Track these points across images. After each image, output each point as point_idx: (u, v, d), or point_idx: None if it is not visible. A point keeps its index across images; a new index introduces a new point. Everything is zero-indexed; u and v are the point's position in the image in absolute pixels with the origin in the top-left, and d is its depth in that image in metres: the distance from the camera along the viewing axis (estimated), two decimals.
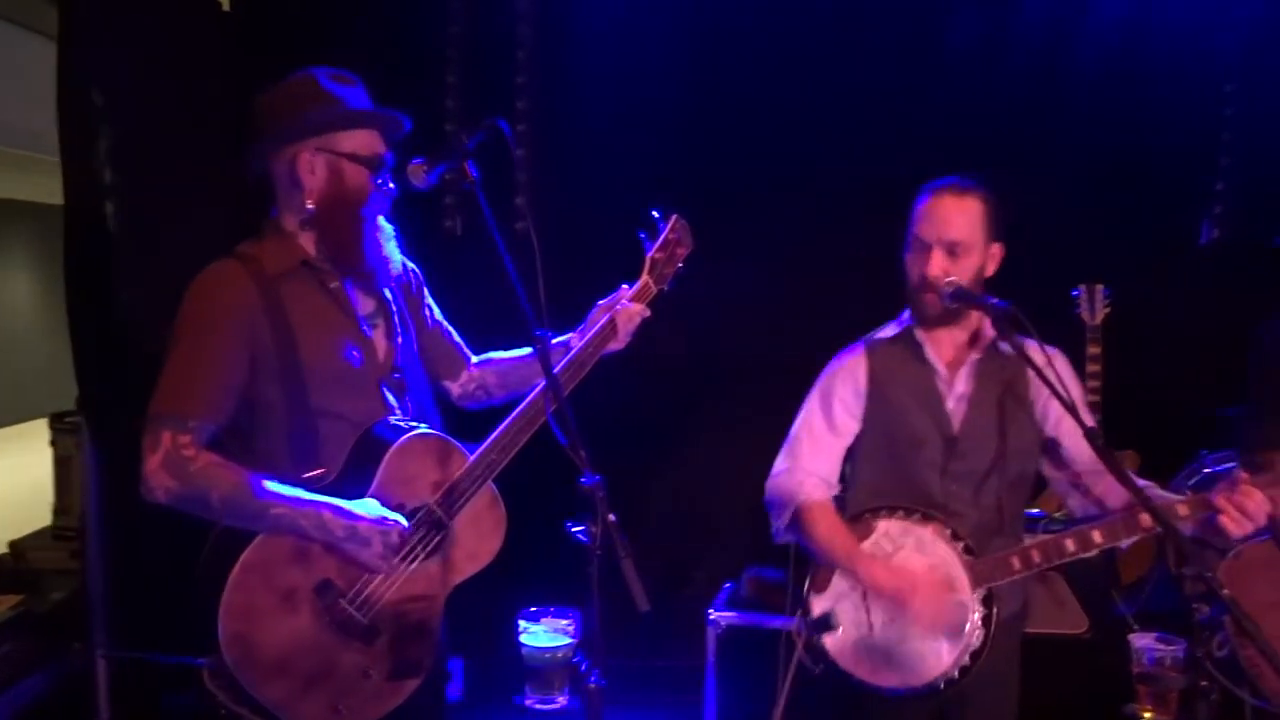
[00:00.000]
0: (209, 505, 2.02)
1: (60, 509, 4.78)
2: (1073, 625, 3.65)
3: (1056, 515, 3.47)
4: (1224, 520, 2.18)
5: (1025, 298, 2.27)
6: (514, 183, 3.71)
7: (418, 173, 2.16)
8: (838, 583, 2.42)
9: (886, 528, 2.42)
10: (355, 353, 2.20)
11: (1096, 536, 2.30)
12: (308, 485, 2.10)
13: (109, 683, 3.51)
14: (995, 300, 2.28)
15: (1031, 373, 2.44)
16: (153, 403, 2.04)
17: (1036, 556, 2.33)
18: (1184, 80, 3.94)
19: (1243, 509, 2.17)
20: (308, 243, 2.20)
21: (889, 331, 2.54)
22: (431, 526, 2.18)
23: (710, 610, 3.56)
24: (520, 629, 2.52)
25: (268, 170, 2.21)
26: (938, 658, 2.32)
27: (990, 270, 2.44)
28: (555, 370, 2.31)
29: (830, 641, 2.38)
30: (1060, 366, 2.26)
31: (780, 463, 2.55)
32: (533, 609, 2.55)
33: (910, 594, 2.31)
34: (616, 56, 4.01)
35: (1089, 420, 2.23)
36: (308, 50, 2.52)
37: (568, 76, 4.08)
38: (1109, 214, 4.02)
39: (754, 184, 4.08)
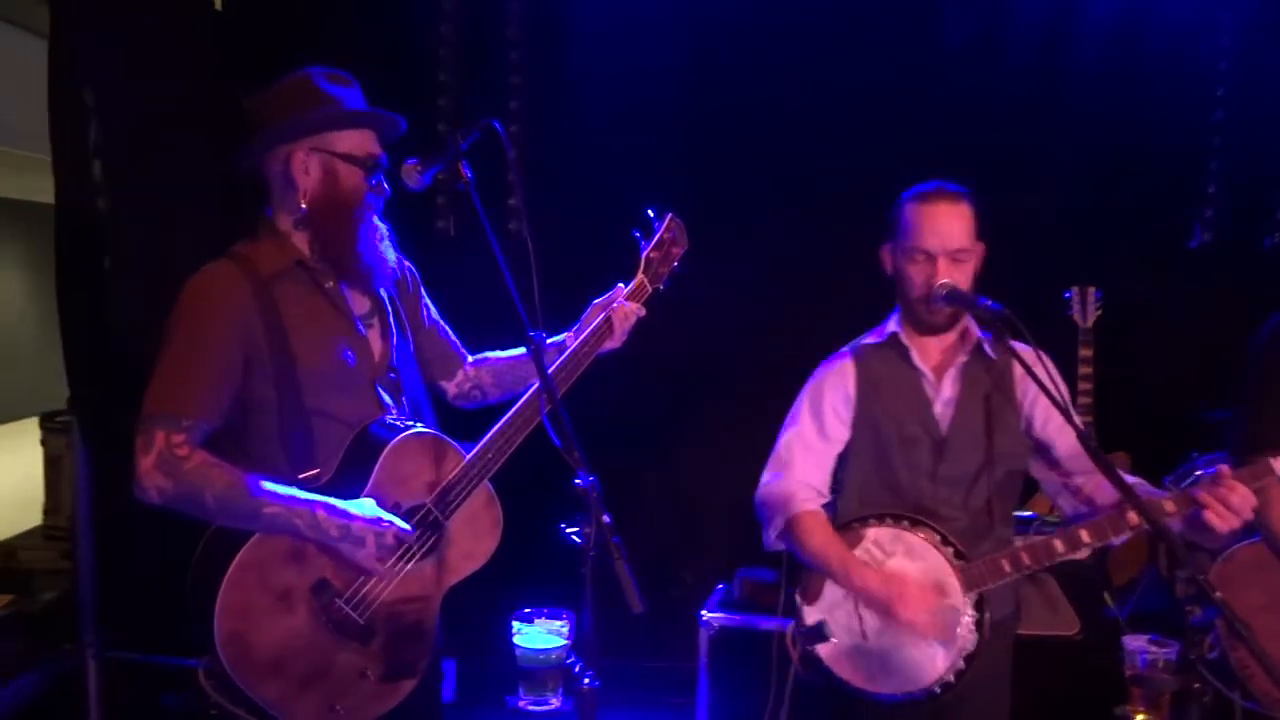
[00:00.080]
0: (203, 505, 2.01)
1: (51, 509, 4.76)
2: (1065, 627, 3.66)
3: (1049, 518, 3.47)
4: (1209, 516, 2.18)
5: (1018, 300, 2.28)
6: (507, 183, 3.71)
7: (411, 173, 2.15)
8: (830, 592, 2.41)
9: (876, 535, 2.42)
10: (350, 353, 2.19)
11: (1084, 536, 2.30)
12: (303, 485, 2.09)
13: (100, 683, 3.50)
14: (990, 303, 2.28)
15: (1017, 374, 2.45)
16: (146, 403, 2.04)
17: (1026, 559, 2.34)
18: (1175, 84, 3.96)
19: (1227, 503, 2.17)
20: (302, 243, 2.20)
21: (875, 337, 2.55)
22: (427, 526, 2.17)
23: (702, 611, 3.57)
24: (514, 630, 2.52)
25: (262, 169, 2.21)
26: (932, 663, 2.32)
27: (978, 269, 2.45)
28: (551, 369, 2.32)
29: (824, 650, 2.38)
30: (1038, 366, 2.27)
31: (770, 472, 2.55)
32: (526, 610, 2.55)
33: (902, 601, 2.31)
34: (610, 56, 4.02)
35: (1076, 422, 2.24)
36: (299, 50, 2.51)
37: (561, 76, 4.08)
38: (1101, 217, 4.03)
39: (749, 184, 4.09)
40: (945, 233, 2.36)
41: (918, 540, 2.38)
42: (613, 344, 2.45)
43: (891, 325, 2.52)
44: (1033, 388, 2.40)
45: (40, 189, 3.50)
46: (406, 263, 2.41)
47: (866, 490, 2.50)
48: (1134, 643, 2.26)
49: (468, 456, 2.23)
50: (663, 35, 4.06)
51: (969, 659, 2.31)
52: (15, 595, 3.88)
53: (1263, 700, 2.50)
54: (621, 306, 2.45)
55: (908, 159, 2.78)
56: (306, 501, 2.04)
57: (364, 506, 2.07)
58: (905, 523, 2.41)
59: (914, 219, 2.39)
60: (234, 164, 2.23)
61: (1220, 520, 2.17)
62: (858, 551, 2.40)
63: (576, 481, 1.88)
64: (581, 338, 2.41)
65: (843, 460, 2.53)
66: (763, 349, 4.00)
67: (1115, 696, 2.29)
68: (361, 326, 2.25)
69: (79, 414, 3.53)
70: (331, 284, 2.21)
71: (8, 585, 4.02)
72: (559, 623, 2.88)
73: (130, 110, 3.39)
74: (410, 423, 2.23)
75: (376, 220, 2.23)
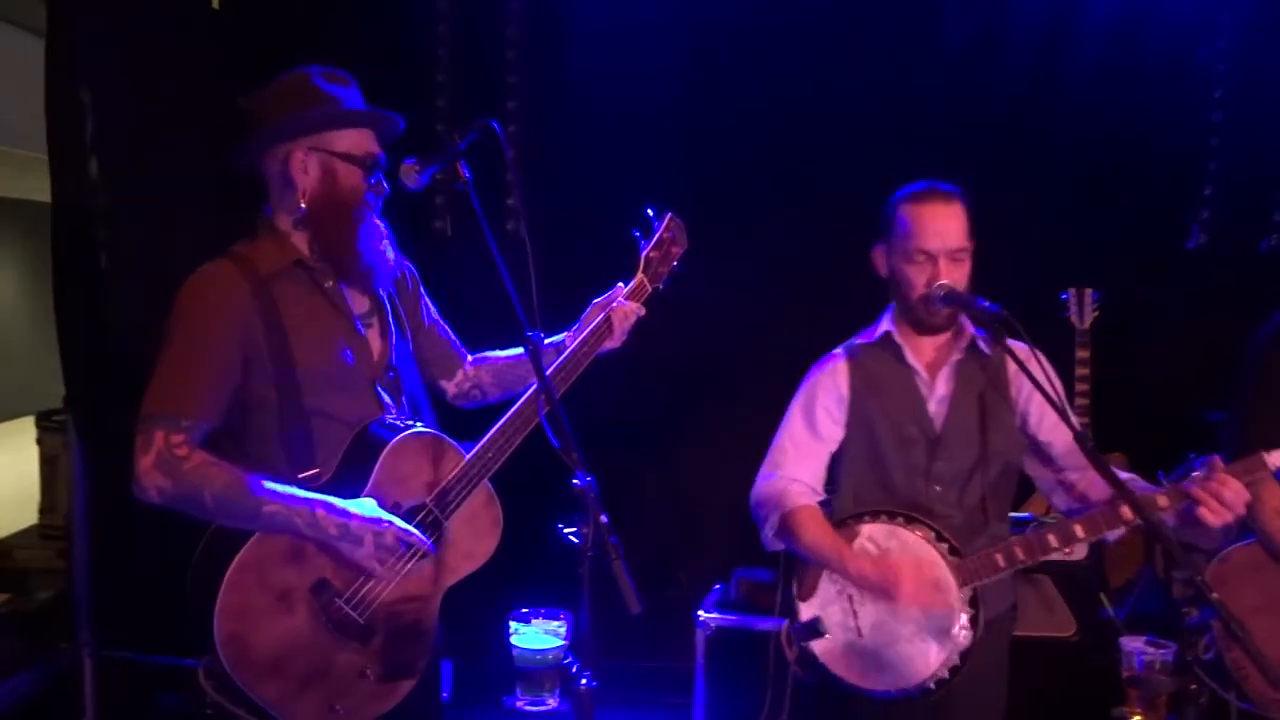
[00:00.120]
0: (202, 505, 2.01)
1: (46, 507, 4.76)
2: (1061, 628, 3.67)
3: (1045, 518, 3.48)
4: (1202, 512, 2.18)
5: (1015, 301, 2.28)
6: (505, 183, 3.71)
7: (410, 173, 2.14)
8: (824, 588, 2.42)
9: (871, 531, 2.42)
10: (349, 352, 2.19)
11: (1078, 530, 2.31)
12: (302, 485, 2.09)
13: (95, 682, 3.50)
14: (987, 303, 2.29)
15: (1011, 371, 2.47)
16: (145, 402, 2.03)
17: (1020, 553, 2.34)
18: (1173, 86, 3.96)
19: (1219, 497, 2.17)
20: (301, 242, 2.20)
21: (867, 337, 2.56)
22: (427, 526, 2.17)
23: (699, 611, 3.57)
24: (511, 630, 2.52)
25: (260, 169, 2.20)
26: (925, 659, 2.33)
27: (972, 268, 2.46)
28: (550, 369, 2.33)
29: (819, 647, 2.39)
30: (1034, 365, 2.27)
31: (764, 471, 2.56)
32: (524, 610, 2.54)
33: (898, 585, 2.32)
34: (609, 56, 4.01)
35: (1071, 417, 2.24)
36: (296, 49, 2.51)
37: (559, 76, 4.08)
38: (1098, 218, 4.04)
39: (749, 184, 4.09)
40: (944, 232, 2.37)
41: (912, 536, 2.39)
42: (612, 344, 2.45)
43: (884, 324, 2.53)
44: (1026, 384, 2.41)
45: (37, 188, 3.50)
46: (406, 262, 2.40)
47: (861, 488, 2.50)
48: (1131, 644, 2.26)
49: (467, 456, 2.22)
50: (661, 35, 4.05)
51: (964, 655, 2.32)
52: (11, 594, 3.89)
53: (1258, 701, 2.51)
54: (621, 306, 2.45)
55: (907, 159, 2.78)
56: (306, 500, 2.04)
57: (363, 506, 2.07)
58: (900, 519, 2.41)
59: (911, 220, 2.40)
60: (231, 163, 2.22)
61: (1213, 515, 2.18)
62: (854, 547, 2.41)
63: (574, 481, 1.88)
64: (581, 338, 2.40)
65: (837, 459, 2.54)
66: (762, 349, 4.00)
67: (1112, 698, 2.29)
68: (360, 326, 2.24)
69: (75, 413, 3.54)
70: (331, 283, 2.21)
71: (3, 584, 4.02)
72: (556, 623, 2.88)
73: (127, 109, 3.39)
74: (410, 422, 2.22)
75: (376, 219, 2.23)
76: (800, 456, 2.52)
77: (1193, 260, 4.05)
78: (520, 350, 2.49)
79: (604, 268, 2.54)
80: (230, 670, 1.98)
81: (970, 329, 2.48)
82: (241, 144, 2.19)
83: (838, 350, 2.58)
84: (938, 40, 4.00)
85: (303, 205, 2.15)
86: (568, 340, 2.43)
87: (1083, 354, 3.80)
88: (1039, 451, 2.48)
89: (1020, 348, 2.32)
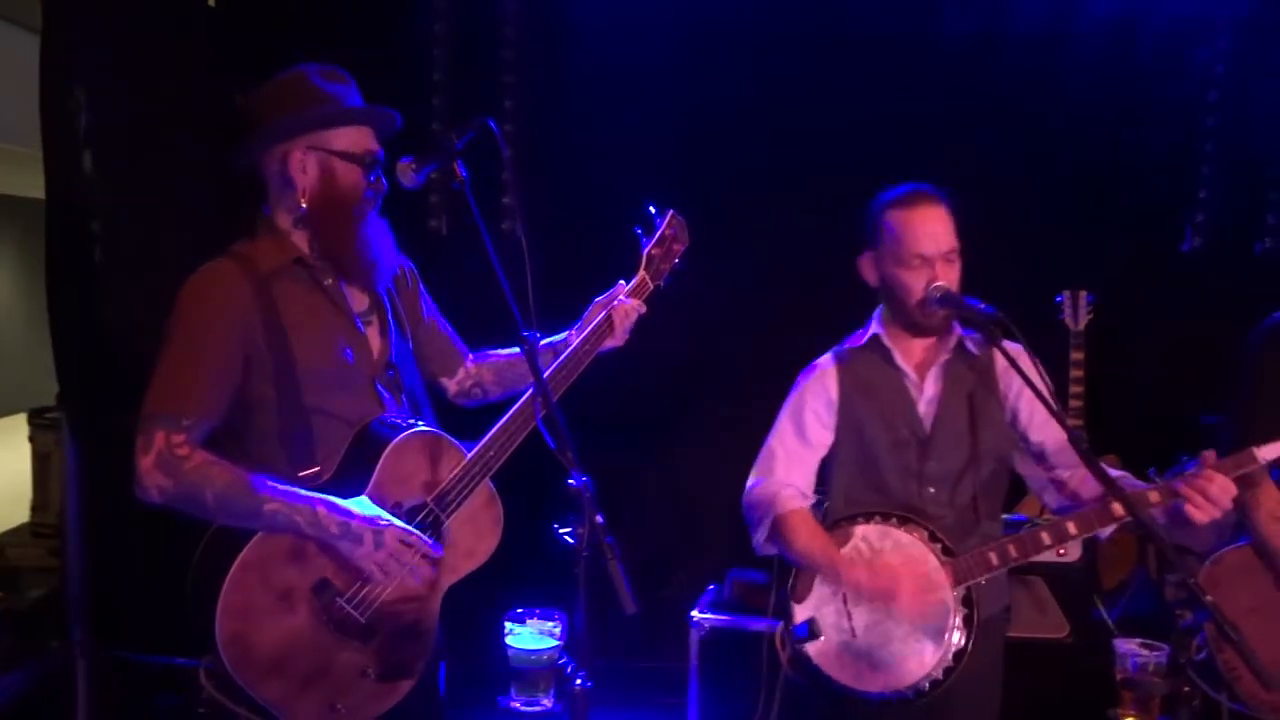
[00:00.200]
0: (203, 504, 2.01)
1: (39, 505, 4.75)
2: (1054, 630, 3.68)
3: (1039, 520, 3.49)
4: (1189, 509, 2.19)
5: (1010, 303, 2.28)
6: (501, 182, 3.71)
7: (406, 172, 2.14)
8: (818, 589, 2.42)
9: (864, 533, 2.43)
10: (349, 350, 2.19)
11: (1071, 528, 2.32)
12: (303, 484, 2.09)
13: (88, 681, 3.49)
14: (983, 305, 2.29)
15: (999, 369, 2.47)
16: (146, 402, 2.03)
17: (1013, 551, 2.35)
18: (1168, 89, 3.97)
19: (1205, 493, 2.17)
20: (301, 240, 2.19)
21: (856, 340, 2.56)
22: (428, 525, 2.17)
23: (693, 612, 3.57)
24: (506, 630, 2.51)
25: (259, 168, 2.20)
26: (920, 659, 2.33)
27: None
28: (552, 368, 2.33)
29: (813, 649, 2.39)
30: (1025, 363, 2.28)
31: (755, 476, 2.56)
32: (519, 610, 2.54)
33: (893, 591, 2.32)
34: (606, 54, 4.01)
35: (1061, 415, 2.24)
36: (292, 48, 2.50)
37: (557, 76, 4.08)
38: (1093, 221, 4.05)
39: (747, 183, 4.09)
40: (937, 235, 2.37)
41: (906, 537, 2.39)
42: (614, 342, 2.45)
43: (873, 328, 2.53)
44: (1016, 383, 2.43)
45: (34, 185, 3.50)
46: (405, 259, 2.40)
47: (853, 491, 2.51)
48: (1125, 646, 2.26)
49: (469, 454, 2.22)
50: (660, 34, 4.05)
51: (958, 655, 2.32)
52: (3, 593, 3.88)
53: (1249, 702, 2.52)
54: (622, 304, 2.44)
55: (906, 159, 2.79)
56: (307, 499, 2.03)
57: (362, 505, 2.07)
58: (893, 520, 2.42)
59: (902, 226, 2.39)
60: (230, 162, 2.22)
61: (1199, 511, 2.19)
62: (847, 549, 2.41)
63: (570, 482, 1.88)
64: (582, 336, 2.40)
65: (828, 463, 2.55)
66: (759, 349, 4.00)
67: (1105, 699, 2.29)
68: (360, 324, 2.24)
69: (68, 410, 3.52)
70: (331, 281, 2.21)
71: None
72: (552, 623, 2.88)
73: (123, 106, 3.38)
74: (411, 421, 2.22)
75: (375, 217, 2.22)
76: (790, 462, 2.52)
77: (1187, 262, 4.07)
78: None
79: (603, 267, 2.54)
80: (232, 670, 1.98)
81: (958, 330, 2.49)
82: (241, 144, 2.19)
83: (826, 355, 2.58)
84: (937, 42, 4.00)
85: (303, 204, 2.15)
86: (570, 338, 2.42)
87: (1077, 355, 3.81)
88: (1030, 450, 2.49)
89: (1012, 348, 2.33)
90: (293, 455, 2.12)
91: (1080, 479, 2.40)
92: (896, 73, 4.01)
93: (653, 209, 2.55)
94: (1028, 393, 2.37)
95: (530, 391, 2.26)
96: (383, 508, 2.10)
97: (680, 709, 3.55)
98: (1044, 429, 2.44)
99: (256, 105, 2.18)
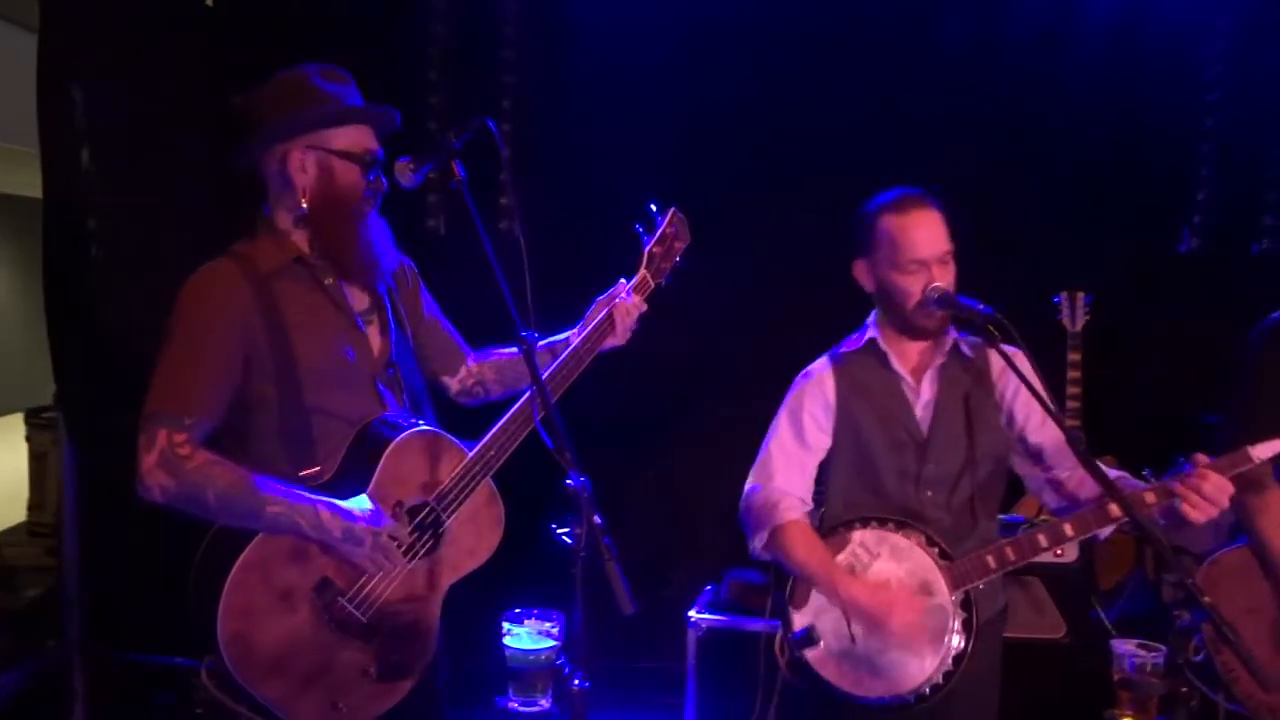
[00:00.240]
0: (205, 504, 2.01)
1: (35, 505, 4.75)
2: (1051, 630, 3.68)
3: (1037, 521, 3.49)
4: (1185, 509, 2.19)
5: (1007, 304, 2.28)
6: (499, 182, 3.71)
7: (404, 171, 2.14)
8: (817, 596, 2.41)
9: (862, 538, 2.42)
10: (349, 350, 2.19)
11: (1068, 529, 2.32)
12: (303, 483, 2.09)
13: (84, 680, 3.49)
14: (981, 306, 2.29)
15: (995, 371, 2.47)
16: (148, 401, 2.03)
17: (1011, 554, 2.35)
18: (1167, 90, 3.98)
19: (1199, 491, 2.17)
20: (301, 240, 2.19)
21: (852, 344, 2.56)
22: (429, 525, 2.17)
23: (691, 612, 3.57)
24: (504, 630, 2.51)
25: (259, 168, 2.20)
26: (920, 664, 2.33)
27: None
28: (553, 366, 2.33)
29: (813, 655, 2.38)
30: (1023, 364, 2.28)
31: (753, 481, 2.55)
32: (517, 610, 2.54)
33: (889, 610, 2.32)
34: (604, 54, 4.00)
35: (1057, 414, 2.24)
36: (291, 47, 2.50)
37: (555, 76, 4.08)
38: (1091, 222, 4.05)
39: (746, 184, 4.09)
40: (932, 239, 2.38)
41: (903, 541, 2.39)
42: (616, 341, 2.44)
43: (869, 331, 2.53)
44: (1011, 384, 2.43)
45: (30, 184, 3.49)
46: (405, 258, 2.40)
47: (851, 494, 2.50)
48: (1122, 647, 2.26)
49: (470, 453, 2.22)
50: (659, 34, 4.05)
51: (958, 660, 2.32)
52: None
53: (1246, 703, 2.52)
54: (623, 302, 2.43)
55: (905, 160, 2.79)
56: (309, 500, 2.03)
57: (363, 506, 2.07)
58: (891, 525, 2.42)
59: (897, 231, 2.39)
60: (230, 162, 2.22)
61: (1195, 511, 2.18)
62: (844, 554, 2.41)
63: (568, 482, 1.88)
64: (584, 334, 2.40)
65: (826, 467, 2.54)
66: (758, 349, 3.99)
67: (1102, 699, 2.29)
68: (361, 323, 2.24)
69: (65, 410, 3.52)
70: (331, 280, 2.20)
71: None
72: (549, 624, 2.88)
73: (120, 105, 3.38)
74: (412, 420, 2.22)
75: (375, 216, 2.22)
76: (789, 466, 2.51)
77: (1185, 264, 4.07)
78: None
79: (602, 268, 2.53)
80: (233, 669, 1.98)
81: (953, 332, 2.49)
82: (240, 144, 2.19)
83: (821, 360, 2.58)
84: (937, 43, 4.01)
85: (303, 204, 2.15)
86: (573, 338, 2.42)
87: (1075, 357, 3.82)
88: (1027, 450, 2.49)
89: (1009, 349, 2.33)
90: (293, 454, 2.12)
91: (1079, 479, 2.40)
92: (896, 73, 4.01)
93: (654, 206, 2.55)
94: (1024, 394, 2.37)
95: (530, 391, 2.25)
96: (384, 507, 2.10)
97: (678, 709, 3.54)
98: (1041, 430, 2.44)
99: (256, 105, 2.17)
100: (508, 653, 2.49)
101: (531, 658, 2.46)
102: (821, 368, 2.55)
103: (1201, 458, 2.22)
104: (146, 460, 1.99)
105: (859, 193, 2.52)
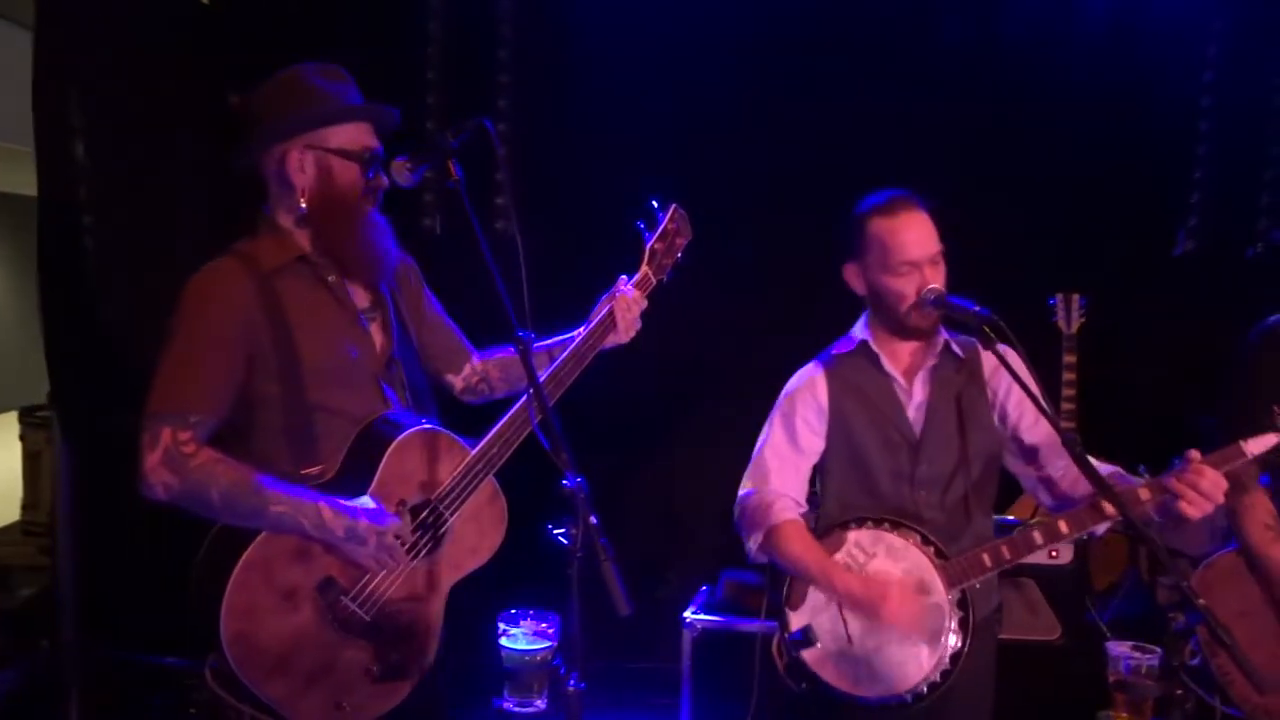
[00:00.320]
0: (209, 503, 2.00)
1: (29, 504, 4.74)
2: (1046, 632, 3.69)
3: (1032, 522, 3.49)
4: (1182, 505, 2.19)
5: (1003, 305, 2.28)
6: (495, 182, 3.70)
7: (401, 170, 2.14)
8: (813, 596, 2.42)
9: (857, 538, 2.42)
10: (352, 347, 2.18)
11: (1063, 526, 2.32)
12: (306, 481, 2.09)
13: (79, 680, 3.48)
14: (976, 307, 2.29)
15: (986, 370, 2.48)
16: (150, 400, 2.02)
17: (1007, 552, 2.35)
18: (1161, 94, 3.98)
19: (1196, 487, 2.18)
20: (303, 239, 2.19)
21: (843, 346, 2.56)
22: (432, 523, 2.17)
23: (686, 613, 3.57)
24: (500, 631, 2.51)
25: (258, 168, 2.19)
26: (918, 663, 2.33)
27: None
28: (552, 366, 2.32)
29: (810, 656, 2.38)
30: (1016, 363, 2.28)
31: (746, 484, 2.55)
32: (513, 611, 2.54)
33: (884, 602, 2.32)
34: (602, 55, 4.01)
35: (1050, 412, 2.25)
36: (287, 46, 2.50)
37: (552, 76, 4.08)
38: (1086, 224, 4.06)
39: (744, 184, 4.09)
40: (923, 240, 2.38)
41: (899, 541, 2.40)
42: (618, 338, 2.43)
43: (860, 333, 2.53)
44: (1004, 383, 2.44)
45: (26, 182, 3.48)
46: (407, 256, 2.39)
47: (846, 496, 2.51)
48: (1118, 648, 2.27)
49: (473, 451, 2.21)
50: (657, 34, 4.05)
51: (954, 658, 2.32)
52: None
53: (1242, 706, 2.52)
54: (623, 295, 2.42)
55: (903, 160, 2.79)
56: (313, 500, 2.03)
57: (366, 505, 2.07)
58: (886, 525, 2.42)
59: (888, 234, 2.39)
60: (230, 163, 2.21)
61: (1192, 507, 2.18)
62: (840, 555, 2.41)
63: (564, 483, 1.87)
64: (586, 330, 2.39)
65: (820, 469, 2.54)
66: (755, 351, 4.00)
67: (1097, 701, 2.30)
68: (364, 320, 2.23)
69: (59, 409, 3.51)
70: (333, 278, 2.20)
71: None
72: (545, 624, 2.88)
73: (116, 104, 3.37)
74: (415, 418, 2.21)
75: (376, 213, 2.22)
76: (783, 469, 2.51)
77: (1179, 267, 4.08)
78: None
79: (600, 268, 2.53)
80: (236, 669, 1.98)
81: (944, 333, 2.49)
82: (239, 144, 2.18)
83: (812, 363, 2.58)
84: (936, 44, 4.01)
85: (303, 204, 2.14)
86: (576, 337, 2.41)
87: (1069, 359, 3.83)
88: (1020, 449, 2.49)
89: (1002, 349, 2.33)
90: (296, 452, 2.12)
91: (1073, 477, 2.41)
92: (894, 73, 4.01)
93: (655, 202, 2.54)
94: (1016, 393, 2.38)
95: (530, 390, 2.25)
96: (387, 505, 2.10)
97: (673, 709, 3.55)
98: (1034, 428, 2.45)
99: (254, 105, 2.17)
100: (503, 653, 2.49)
101: (527, 658, 2.46)
102: (813, 371, 2.56)
103: (1195, 454, 2.22)
104: (150, 458, 1.99)
105: (858, 193, 2.52)
